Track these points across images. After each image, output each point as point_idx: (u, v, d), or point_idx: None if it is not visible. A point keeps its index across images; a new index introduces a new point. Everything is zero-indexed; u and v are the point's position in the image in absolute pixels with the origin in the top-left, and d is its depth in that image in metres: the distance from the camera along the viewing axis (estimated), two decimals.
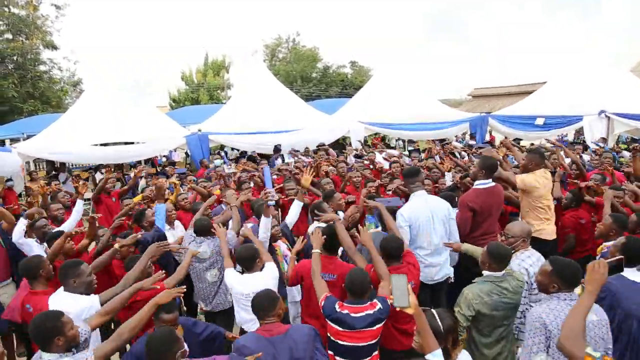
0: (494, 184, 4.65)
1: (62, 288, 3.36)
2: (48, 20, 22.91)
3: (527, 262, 3.53)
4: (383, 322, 3.14)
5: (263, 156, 12.01)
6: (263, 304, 2.98)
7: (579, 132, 14.09)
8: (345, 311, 3.07)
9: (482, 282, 3.25)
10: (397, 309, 2.35)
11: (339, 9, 79.49)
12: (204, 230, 4.53)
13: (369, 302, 3.13)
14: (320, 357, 3.05)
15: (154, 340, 2.63)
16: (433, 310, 2.54)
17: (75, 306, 3.13)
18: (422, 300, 4.14)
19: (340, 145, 15.41)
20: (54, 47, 22.89)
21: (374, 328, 3.09)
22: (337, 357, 3.15)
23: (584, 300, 2.35)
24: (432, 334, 2.34)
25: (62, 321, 2.58)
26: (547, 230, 4.77)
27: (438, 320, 2.48)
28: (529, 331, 2.64)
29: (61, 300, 3.19)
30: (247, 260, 3.77)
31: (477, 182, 4.64)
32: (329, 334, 3.21)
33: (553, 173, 5.31)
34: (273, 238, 4.59)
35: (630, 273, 3.10)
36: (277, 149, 11.57)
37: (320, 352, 3.07)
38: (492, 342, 3.21)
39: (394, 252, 3.62)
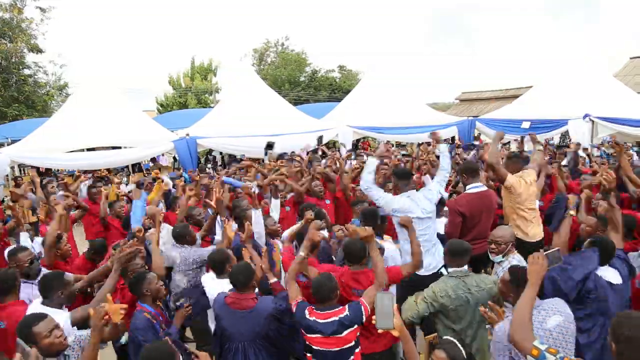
0: (485, 188, 4.69)
1: (38, 301, 3.23)
2: (33, 24, 22.57)
3: None
4: (352, 329, 3.02)
5: (253, 160, 11.96)
6: (239, 278, 3.25)
7: (565, 135, 14.29)
8: (313, 318, 3.02)
9: (447, 277, 3.33)
10: (380, 331, 2.24)
11: (328, 13, 79.88)
12: (177, 237, 4.52)
13: (338, 308, 3.06)
14: (283, 329, 3.25)
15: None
16: (455, 341, 2.47)
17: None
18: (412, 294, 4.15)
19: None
20: (39, 51, 22.52)
21: (342, 335, 2.99)
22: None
23: (528, 292, 2.40)
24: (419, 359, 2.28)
25: (32, 331, 2.52)
26: (530, 232, 4.80)
27: (461, 348, 2.40)
28: (497, 349, 2.64)
29: None
30: (218, 264, 3.79)
31: (468, 187, 4.66)
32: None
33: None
34: (273, 235, 4.60)
35: (604, 272, 3.15)
36: (269, 145, 11.38)
37: (285, 323, 3.27)
38: (462, 328, 3.24)
39: (356, 255, 3.53)
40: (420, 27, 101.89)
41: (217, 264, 3.80)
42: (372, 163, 4.45)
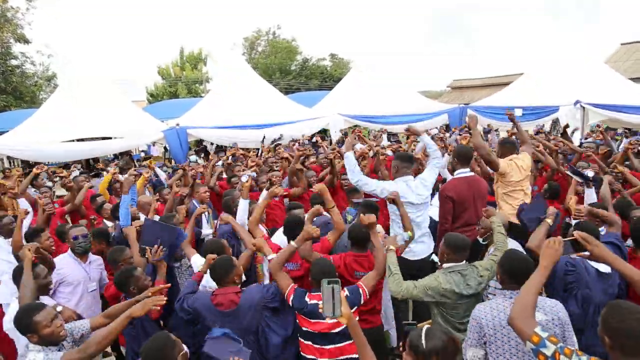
0: (472, 173, 4.68)
1: (15, 299, 3.18)
2: (19, 13, 22.15)
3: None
4: (351, 310, 2.97)
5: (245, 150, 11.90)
6: (219, 272, 3.18)
7: (556, 122, 14.34)
8: (314, 301, 2.99)
9: (450, 272, 3.17)
10: (328, 320, 2.11)
11: (327, 13, 79.16)
12: None
13: None
14: (270, 323, 3.19)
15: (151, 350, 2.35)
16: (424, 329, 2.12)
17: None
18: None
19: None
20: (26, 41, 22.16)
21: None
22: (314, 345, 3.05)
23: (536, 275, 2.28)
24: (371, 350, 2.10)
25: (33, 320, 2.51)
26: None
27: (423, 339, 2.05)
28: (469, 325, 2.67)
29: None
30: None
31: (456, 172, 4.66)
32: (299, 324, 3.14)
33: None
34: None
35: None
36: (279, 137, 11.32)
37: (269, 317, 3.20)
38: (459, 318, 3.21)
39: (360, 239, 3.55)
40: (420, 27, 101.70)
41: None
42: (349, 157, 4.43)
